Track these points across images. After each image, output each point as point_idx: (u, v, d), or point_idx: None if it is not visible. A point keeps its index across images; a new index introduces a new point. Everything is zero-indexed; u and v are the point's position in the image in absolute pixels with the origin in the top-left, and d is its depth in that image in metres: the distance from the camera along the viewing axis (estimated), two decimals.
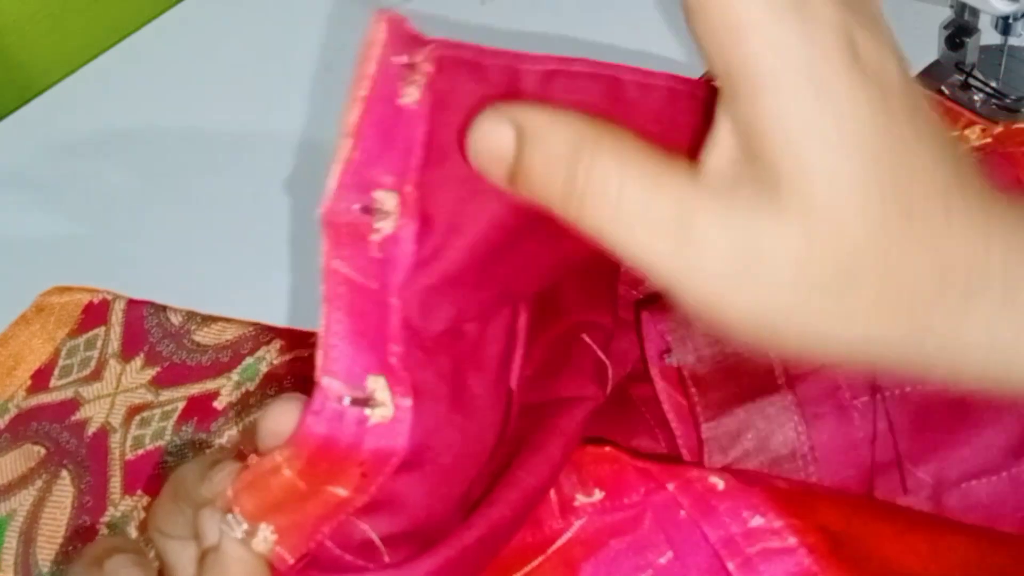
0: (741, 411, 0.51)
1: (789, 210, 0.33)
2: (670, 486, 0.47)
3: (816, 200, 0.33)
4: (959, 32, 0.74)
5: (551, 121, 0.36)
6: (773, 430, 0.51)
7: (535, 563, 0.51)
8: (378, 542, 0.42)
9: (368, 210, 0.38)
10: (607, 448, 0.50)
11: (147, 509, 0.60)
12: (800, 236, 0.32)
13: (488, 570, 0.51)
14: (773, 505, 0.45)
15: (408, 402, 0.39)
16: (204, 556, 0.48)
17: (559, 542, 0.51)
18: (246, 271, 0.76)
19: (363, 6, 0.95)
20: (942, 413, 0.50)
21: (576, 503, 0.50)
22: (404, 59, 0.38)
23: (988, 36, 0.73)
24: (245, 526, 0.42)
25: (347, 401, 0.38)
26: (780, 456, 0.51)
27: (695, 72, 0.78)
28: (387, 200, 0.38)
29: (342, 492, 0.40)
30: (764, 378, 0.52)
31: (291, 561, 0.42)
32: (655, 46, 0.87)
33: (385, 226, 0.38)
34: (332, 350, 0.38)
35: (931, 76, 0.78)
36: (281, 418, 0.48)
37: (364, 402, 0.39)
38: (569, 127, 0.35)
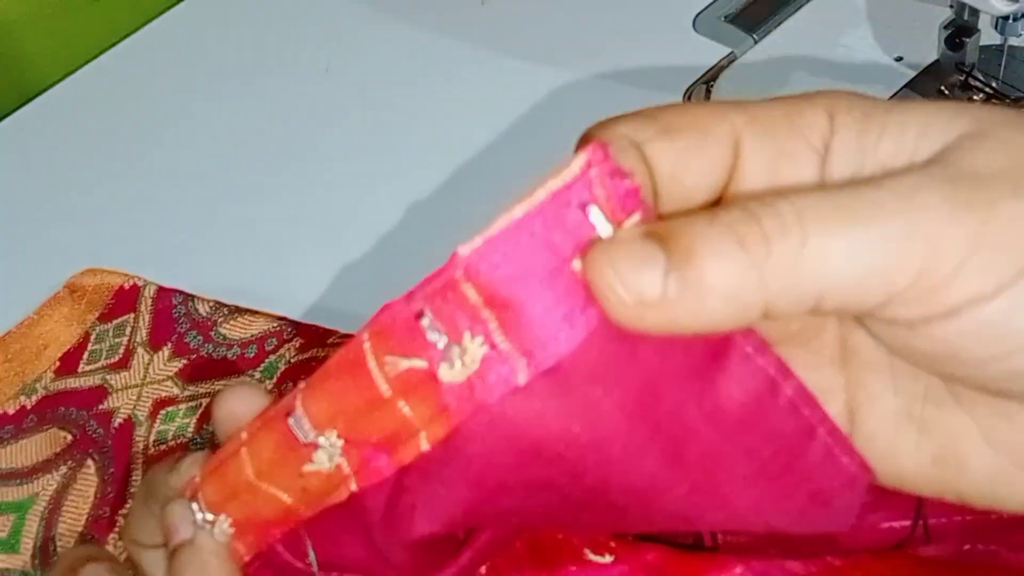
0: None
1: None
2: None
3: None
4: (959, 32, 0.74)
5: (679, 219, 0.32)
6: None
7: None
8: (313, 562, 0.42)
9: (444, 345, 0.33)
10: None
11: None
12: None
13: None
14: None
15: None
16: (175, 552, 0.48)
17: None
18: (247, 272, 0.76)
19: (363, 7, 0.94)
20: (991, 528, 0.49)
21: (586, 557, 0.50)
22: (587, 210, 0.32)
23: (988, 36, 0.73)
24: (208, 515, 0.42)
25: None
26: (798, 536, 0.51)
27: (686, 67, 0.76)
28: (474, 350, 0.32)
29: (286, 498, 0.40)
30: None
31: (246, 558, 0.42)
32: (655, 46, 0.87)
33: (451, 375, 0.33)
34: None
35: (931, 76, 0.78)
36: (235, 403, 0.48)
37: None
38: (701, 214, 0.31)
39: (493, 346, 0.31)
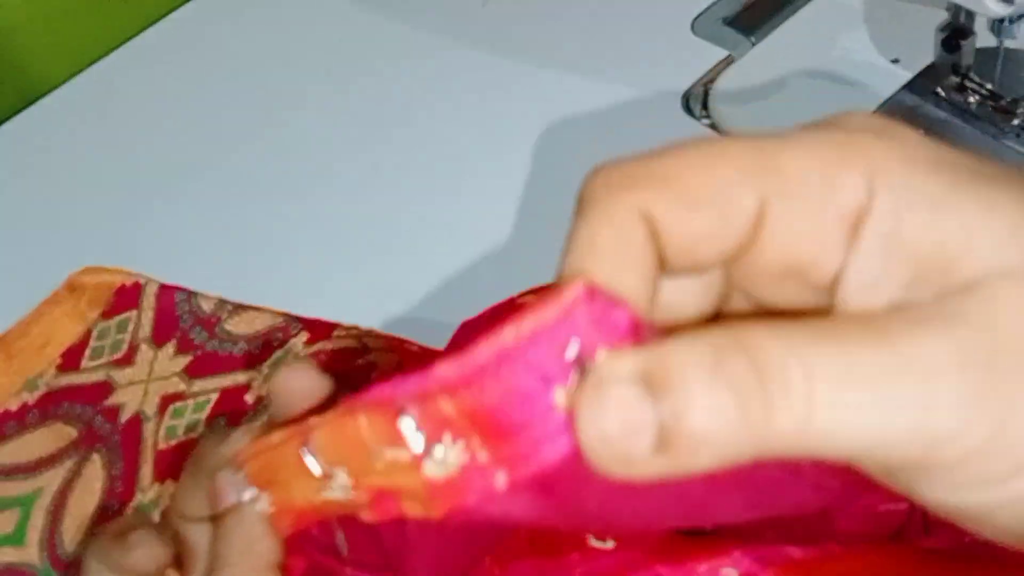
0: None
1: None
2: None
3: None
4: (955, 34, 0.74)
5: (672, 350, 0.29)
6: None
7: None
8: (344, 553, 0.44)
9: (423, 444, 0.33)
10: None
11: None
12: None
13: None
14: None
15: None
16: (222, 516, 0.49)
17: (575, 573, 0.52)
18: (247, 273, 0.77)
19: (366, 10, 0.95)
20: None
21: (589, 544, 0.50)
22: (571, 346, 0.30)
23: (984, 38, 0.74)
24: (253, 490, 0.44)
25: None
26: (794, 518, 0.51)
27: (684, 69, 0.75)
28: (453, 454, 0.32)
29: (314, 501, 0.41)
30: None
31: (282, 536, 0.43)
32: (653, 48, 0.87)
33: (433, 471, 0.33)
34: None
35: (927, 78, 0.79)
36: (292, 382, 0.49)
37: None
38: (698, 341, 0.29)
39: (472, 455, 0.31)
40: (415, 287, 0.73)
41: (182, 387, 0.70)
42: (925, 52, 0.78)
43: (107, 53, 0.97)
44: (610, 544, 0.50)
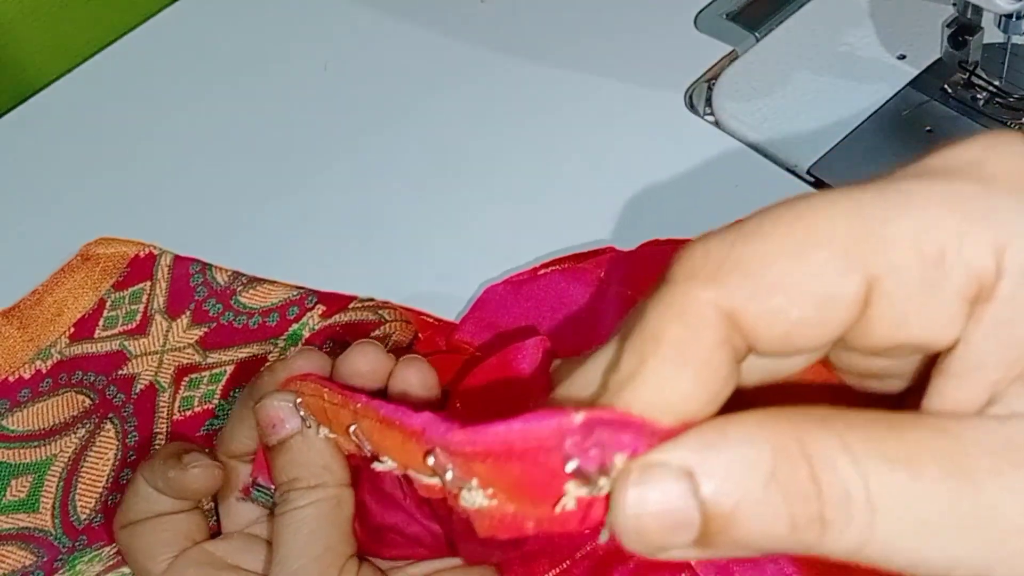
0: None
1: None
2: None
3: None
4: (962, 30, 0.74)
5: (728, 446, 0.27)
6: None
7: (563, 567, 0.52)
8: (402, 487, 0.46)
9: (452, 479, 0.34)
10: None
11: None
12: None
13: (515, 568, 0.52)
14: (802, 565, 0.47)
15: None
16: (283, 444, 0.50)
17: (586, 548, 0.52)
18: (248, 270, 0.76)
19: (362, 5, 0.95)
20: None
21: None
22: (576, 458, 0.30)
23: (991, 34, 0.74)
24: (313, 418, 0.47)
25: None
26: None
27: (688, 65, 0.75)
28: (479, 498, 0.34)
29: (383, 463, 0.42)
30: None
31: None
32: (656, 44, 0.87)
33: (466, 502, 0.34)
34: None
35: (934, 74, 0.78)
36: (360, 363, 0.51)
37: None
38: (757, 439, 0.27)
39: (501, 504, 0.32)
40: (414, 289, 0.73)
41: (197, 358, 0.70)
42: (932, 48, 0.78)
43: (102, 49, 0.97)
44: None
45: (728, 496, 0.26)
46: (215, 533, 0.57)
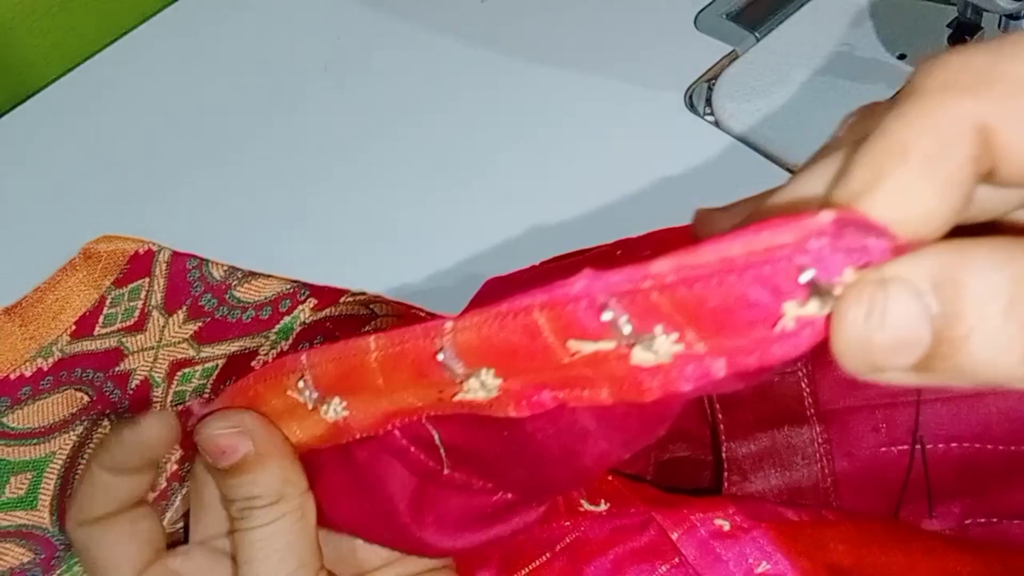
0: (765, 437, 0.51)
1: None
2: (674, 535, 0.47)
3: None
4: (963, 30, 0.74)
5: (968, 272, 0.26)
6: (796, 462, 0.50)
7: (541, 560, 0.52)
8: (441, 449, 0.43)
9: (629, 333, 0.32)
10: (611, 478, 0.51)
11: (179, 463, 0.61)
12: None
13: (495, 561, 0.52)
14: (781, 545, 0.45)
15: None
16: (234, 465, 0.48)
17: (566, 540, 0.52)
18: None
19: (363, 5, 0.95)
20: (989, 471, 0.50)
21: (582, 508, 0.50)
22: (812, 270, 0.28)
23: (991, 34, 0.72)
24: (316, 394, 0.44)
25: None
26: (801, 487, 0.51)
27: (688, 64, 0.75)
28: (666, 345, 0.32)
29: (416, 402, 0.41)
30: (792, 406, 0.50)
31: (357, 436, 0.44)
32: (656, 44, 0.87)
33: (642, 358, 0.32)
34: None
35: None
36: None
37: None
38: (998, 269, 0.25)
39: (688, 345, 0.31)
40: (413, 289, 0.73)
41: (191, 353, 0.70)
42: (933, 48, 0.77)
43: (101, 49, 0.98)
44: (603, 507, 0.50)
45: (964, 320, 0.25)
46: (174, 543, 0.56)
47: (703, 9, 0.89)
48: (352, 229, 0.78)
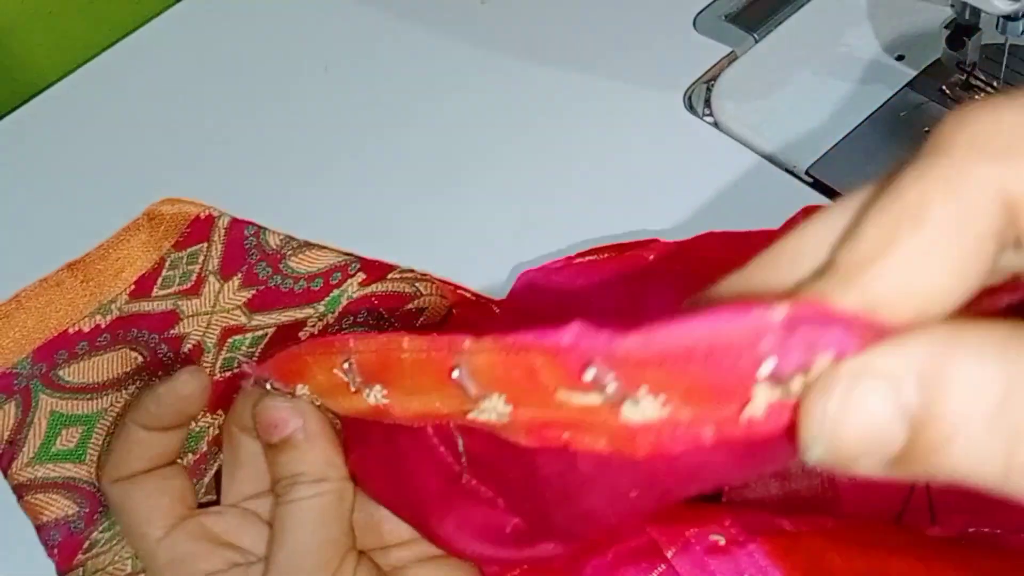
0: None
1: None
2: (669, 553, 0.47)
3: None
4: (960, 31, 0.73)
5: (952, 365, 0.23)
6: (796, 473, 0.51)
7: None
8: (463, 457, 0.45)
9: (614, 391, 0.32)
10: None
11: (222, 427, 0.61)
12: None
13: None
14: (776, 559, 0.45)
15: None
16: (283, 444, 0.51)
17: None
18: None
19: (363, 7, 0.94)
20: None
21: None
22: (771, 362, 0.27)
23: (989, 35, 0.73)
24: (360, 379, 0.45)
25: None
26: (802, 498, 0.51)
27: (686, 66, 0.77)
28: (652, 408, 0.31)
29: (441, 408, 0.42)
30: None
31: (393, 420, 0.45)
32: (655, 45, 0.87)
33: (631, 415, 0.32)
34: None
35: (932, 75, 0.78)
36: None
37: None
38: (987, 362, 0.23)
39: (674, 409, 0.30)
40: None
41: (243, 320, 0.71)
42: (930, 49, 0.78)
43: (103, 50, 0.98)
44: None
45: (945, 421, 0.23)
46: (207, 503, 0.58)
47: (702, 11, 0.88)
48: (352, 229, 0.77)
